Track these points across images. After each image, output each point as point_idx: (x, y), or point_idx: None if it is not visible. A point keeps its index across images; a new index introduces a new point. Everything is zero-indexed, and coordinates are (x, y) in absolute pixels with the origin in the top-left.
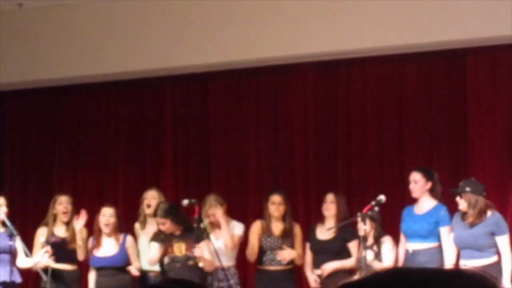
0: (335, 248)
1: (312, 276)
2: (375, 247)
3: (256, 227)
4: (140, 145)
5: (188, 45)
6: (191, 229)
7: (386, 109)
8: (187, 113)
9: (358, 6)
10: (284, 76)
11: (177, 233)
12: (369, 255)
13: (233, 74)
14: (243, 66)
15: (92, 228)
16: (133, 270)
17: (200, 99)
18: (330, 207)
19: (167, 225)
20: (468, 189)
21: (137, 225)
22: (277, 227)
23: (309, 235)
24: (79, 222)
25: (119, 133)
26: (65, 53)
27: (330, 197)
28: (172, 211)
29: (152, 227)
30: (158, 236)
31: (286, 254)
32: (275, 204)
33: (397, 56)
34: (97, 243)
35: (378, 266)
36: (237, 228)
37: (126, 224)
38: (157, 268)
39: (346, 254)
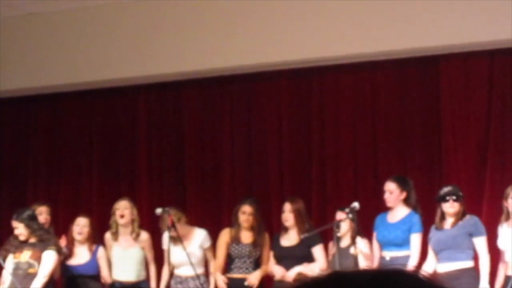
0: (299, 254)
1: (277, 267)
2: (352, 249)
3: (225, 236)
4: (114, 154)
5: (162, 53)
6: (46, 239)
7: (359, 116)
8: (161, 122)
9: (330, 14)
10: (257, 84)
11: (31, 241)
12: (362, 245)
13: (206, 82)
14: (217, 74)
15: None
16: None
17: (173, 108)
18: (288, 217)
19: (20, 230)
20: (461, 193)
21: (107, 235)
22: (246, 236)
23: (273, 242)
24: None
25: (93, 142)
26: (38, 62)
27: (287, 207)
28: (27, 217)
29: (125, 237)
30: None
31: (253, 279)
32: (245, 214)
33: (370, 63)
34: (70, 252)
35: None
36: (205, 240)
37: (100, 235)
38: (131, 278)
39: (310, 259)
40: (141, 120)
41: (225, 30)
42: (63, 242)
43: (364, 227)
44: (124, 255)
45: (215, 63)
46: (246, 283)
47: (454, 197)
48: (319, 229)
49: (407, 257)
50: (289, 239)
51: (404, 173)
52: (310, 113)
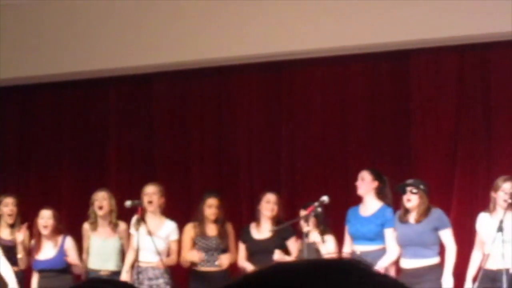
0: (274, 247)
1: (249, 265)
2: (317, 245)
3: (190, 231)
4: (85, 146)
5: (132, 46)
6: None
7: (330, 110)
8: (132, 114)
9: (301, 7)
10: (227, 77)
11: None
12: (315, 237)
13: (177, 75)
14: (187, 67)
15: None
16: (76, 269)
17: (144, 100)
18: (274, 208)
19: None
20: (422, 186)
21: (86, 226)
22: (211, 229)
23: (244, 236)
24: (20, 235)
25: (63, 133)
26: (6, 54)
27: (273, 198)
28: None
29: (104, 228)
30: None
31: (224, 260)
32: (212, 208)
33: (341, 57)
34: (37, 246)
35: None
36: (173, 233)
37: (71, 225)
38: (110, 267)
39: (284, 252)
40: (111, 113)
41: (196, 24)
42: (23, 231)
43: (333, 221)
44: (103, 245)
45: (185, 56)
46: (216, 262)
47: (413, 190)
48: (291, 221)
49: (378, 251)
50: (261, 231)
51: (374, 166)
52: (280, 106)
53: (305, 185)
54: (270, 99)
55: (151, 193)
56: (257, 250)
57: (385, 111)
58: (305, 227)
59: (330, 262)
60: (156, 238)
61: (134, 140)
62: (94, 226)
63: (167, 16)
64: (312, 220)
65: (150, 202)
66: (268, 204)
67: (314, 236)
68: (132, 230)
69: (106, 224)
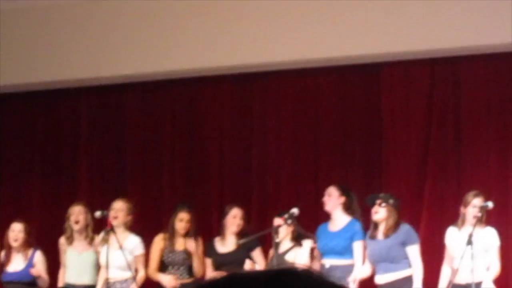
0: (239, 259)
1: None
2: (290, 252)
3: (159, 242)
4: (56, 157)
5: (103, 56)
6: None
7: (301, 122)
8: (103, 124)
9: (273, 19)
10: (199, 88)
11: None
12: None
13: (149, 86)
14: (159, 78)
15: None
16: (41, 282)
17: (115, 111)
18: (240, 223)
19: None
20: (391, 201)
21: (62, 240)
22: (180, 243)
23: (208, 250)
24: None
25: (34, 145)
26: None
27: (239, 213)
28: None
29: (80, 242)
30: None
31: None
32: (183, 222)
33: (312, 69)
34: (7, 259)
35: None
36: (137, 248)
37: (41, 237)
38: (85, 281)
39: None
40: (83, 122)
41: (167, 34)
42: None
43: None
44: (79, 258)
45: (157, 67)
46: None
47: (381, 203)
48: (258, 234)
49: (347, 266)
50: (226, 245)
51: (345, 179)
52: (252, 118)
53: (276, 198)
54: (242, 111)
55: (117, 208)
56: (222, 264)
57: (356, 124)
58: (276, 238)
59: (283, 271)
60: (119, 252)
61: (105, 150)
62: (70, 240)
63: (138, 27)
64: (283, 232)
65: (115, 217)
66: (234, 219)
67: (286, 245)
68: (99, 247)
69: (82, 238)
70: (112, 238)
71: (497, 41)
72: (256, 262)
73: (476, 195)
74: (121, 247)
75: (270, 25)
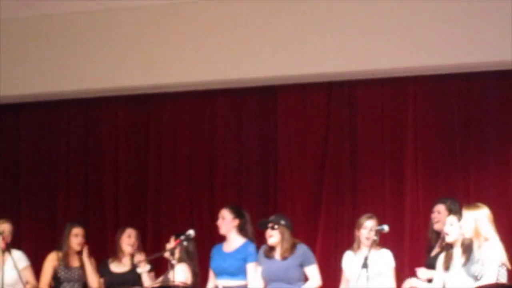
0: (132, 279)
1: None
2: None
3: (52, 259)
4: None
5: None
6: None
7: (197, 144)
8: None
9: (168, 41)
10: (95, 109)
11: None
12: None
13: (44, 106)
14: (55, 98)
15: None
16: None
17: (11, 130)
18: (135, 242)
19: None
20: (283, 222)
21: None
22: (75, 260)
23: (101, 269)
24: None
25: None
26: None
27: (134, 233)
28: None
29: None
30: None
31: None
32: (78, 237)
33: (209, 91)
34: None
35: None
36: (20, 261)
37: None
38: None
39: (140, 283)
40: None
41: (62, 55)
42: None
43: (198, 255)
44: None
45: (52, 87)
46: None
47: (274, 226)
48: (154, 255)
49: (239, 287)
50: (121, 265)
51: (240, 202)
52: (147, 139)
53: (171, 220)
54: (138, 132)
55: (7, 230)
56: (113, 283)
57: (253, 146)
58: (172, 260)
59: None
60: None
61: (1, 168)
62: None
63: (34, 46)
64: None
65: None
66: (129, 239)
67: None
68: None
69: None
70: (10, 254)
71: (391, 66)
72: (144, 281)
73: (368, 218)
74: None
75: (164, 46)
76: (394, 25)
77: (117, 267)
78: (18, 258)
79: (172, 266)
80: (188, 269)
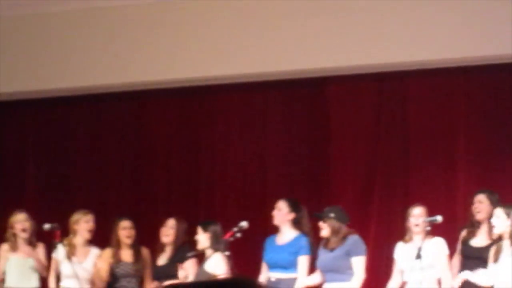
0: (170, 272)
1: None
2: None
3: (106, 255)
4: (2, 167)
5: (50, 68)
6: None
7: (249, 136)
8: (50, 138)
9: (222, 33)
10: (147, 101)
11: None
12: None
13: (96, 99)
14: (107, 91)
15: None
16: None
17: (63, 124)
18: (169, 232)
19: None
20: (332, 215)
21: (5, 247)
22: (126, 254)
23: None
24: None
25: None
26: None
27: (170, 222)
28: None
29: (24, 248)
30: None
31: None
32: (127, 230)
33: (260, 83)
34: None
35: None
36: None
37: None
38: (30, 285)
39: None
40: (29, 134)
41: (115, 47)
42: None
43: (250, 247)
44: (24, 264)
45: (104, 80)
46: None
47: (324, 218)
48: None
49: (292, 280)
50: (163, 258)
51: (292, 193)
52: (200, 131)
53: (223, 211)
54: (190, 125)
55: (23, 221)
56: (157, 276)
57: (304, 138)
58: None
59: (224, 281)
60: (85, 264)
61: (53, 163)
62: (14, 248)
63: (86, 40)
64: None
65: (24, 230)
66: (164, 229)
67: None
68: (58, 255)
69: (26, 245)
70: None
71: (443, 56)
72: (188, 273)
73: (416, 208)
74: (70, 258)
75: (217, 39)
76: (444, 15)
77: (160, 260)
78: (95, 255)
79: (228, 257)
80: (223, 258)
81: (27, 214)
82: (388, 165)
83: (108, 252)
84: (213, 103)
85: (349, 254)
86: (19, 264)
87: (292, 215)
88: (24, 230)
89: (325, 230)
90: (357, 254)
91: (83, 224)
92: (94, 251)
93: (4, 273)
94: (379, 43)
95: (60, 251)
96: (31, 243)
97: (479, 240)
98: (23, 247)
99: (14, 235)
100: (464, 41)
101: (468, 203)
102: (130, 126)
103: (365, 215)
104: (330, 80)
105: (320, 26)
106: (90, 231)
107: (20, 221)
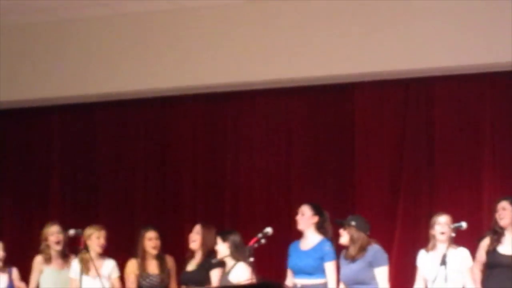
0: (198, 278)
1: None
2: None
3: (132, 267)
4: (27, 176)
5: (74, 74)
6: None
7: (274, 142)
8: (74, 144)
9: (245, 39)
10: (172, 107)
11: None
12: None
13: (119, 105)
14: (131, 97)
15: None
16: None
17: (86, 130)
18: (195, 237)
19: None
20: (353, 223)
21: (39, 259)
22: (152, 265)
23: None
24: None
25: (5, 164)
26: None
27: (196, 228)
28: None
29: (58, 261)
30: None
31: None
32: (153, 240)
33: (285, 89)
34: None
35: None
36: (113, 271)
37: (11, 257)
38: None
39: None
40: (54, 142)
41: (137, 54)
42: None
43: (275, 253)
44: (59, 276)
45: (129, 86)
46: None
47: (344, 226)
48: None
49: (318, 285)
50: (193, 263)
51: (317, 199)
52: (225, 138)
53: (249, 217)
54: (215, 131)
55: (56, 233)
56: (184, 281)
57: (329, 144)
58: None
59: (252, 286)
60: (98, 279)
61: (77, 171)
62: (48, 260)
63: (111, 46)
64: (224, 252)
65: (58, 242)
66: (191, 235)
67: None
68: (73, 274)
69: (59, 257)
70: (91, 257)
71: (469, 62)
72: (213, 281)
73: (440, 214)
74: (98, 275)
75: (242, 45)
76: (471, 21)
77: (190, 265)
78: (112, 267)
79: (251, 264)
80: (247, 266)
81: (59, 225)
82: (413, 172)
83: (133, 263)
84: (239, 110)
85: (371, 265)
86: (53, 276)
87: (316, 218)
88: (58, 243)
89: (344, 237)
90: (379, 264)
91: (94, 240)
92: (108, 262)
93: (38, 286)
94: (405, 49)
95: (74, 267)
96: (65, 255)
97: (506, 247)
98: (57, 259)
99: (48, 246)
100: (491, 47)
101: (492, 210)
102: (155, 133)
103: (390, 221)
104: (355, 86)
105: (345, 32)
106: (101, 246)
107: (54, 233)
